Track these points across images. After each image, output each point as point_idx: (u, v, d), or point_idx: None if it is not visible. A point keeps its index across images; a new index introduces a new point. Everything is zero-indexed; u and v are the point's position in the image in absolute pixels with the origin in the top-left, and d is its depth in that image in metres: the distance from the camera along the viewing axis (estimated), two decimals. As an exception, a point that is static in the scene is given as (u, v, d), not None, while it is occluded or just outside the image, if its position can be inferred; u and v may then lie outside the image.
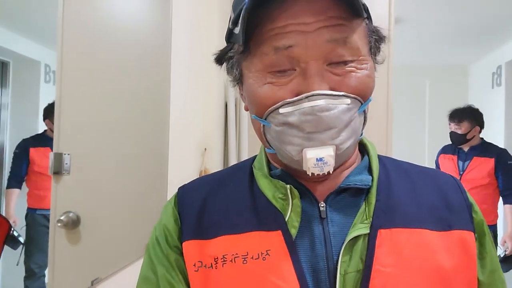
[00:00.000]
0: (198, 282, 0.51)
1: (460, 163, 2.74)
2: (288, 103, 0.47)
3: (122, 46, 1.19)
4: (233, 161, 1.54)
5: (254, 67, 0.50)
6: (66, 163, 0.95)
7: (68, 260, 0.97)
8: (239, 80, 0.55)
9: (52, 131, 1.26)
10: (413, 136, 4.57)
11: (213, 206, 0.56)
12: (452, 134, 2.72)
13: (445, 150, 2.93)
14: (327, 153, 0.47)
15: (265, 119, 0.50)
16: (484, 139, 2.77)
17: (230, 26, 0.53)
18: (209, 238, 0.53)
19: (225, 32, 0.55)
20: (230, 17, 0.53)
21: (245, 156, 1.58)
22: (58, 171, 0.93)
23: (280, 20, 0.47)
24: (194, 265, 0.52)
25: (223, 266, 0.50)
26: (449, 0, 2.86)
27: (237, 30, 0.50)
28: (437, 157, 2.99)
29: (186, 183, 0.62)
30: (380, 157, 0.58)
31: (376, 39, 0.53)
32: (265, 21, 0.47)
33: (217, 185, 0.59)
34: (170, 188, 1.35)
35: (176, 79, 1.40)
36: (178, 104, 1.42)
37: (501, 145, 2.82)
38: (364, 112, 0.51)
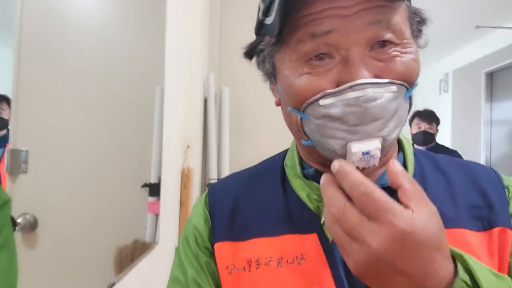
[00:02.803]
0: (231, 286, 0.50)
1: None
2: (329, 94, 0.43)
3: (99, 38, 1.12)
4: (213, 158, 1.48)
5: (289, 57, 0.46)
6: (24, 160, 0.86)
7: (23, 264, 0.89)
8: (271, 74, 0.51)
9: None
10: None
11: (246, 206, 0.54)
12: (425, 134, 2.79)
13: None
14: (374, 146, 0.43)
15: (303, 111, 0.46)
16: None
17: (260, 17, 0.49)
18: (242, 240, 0.51)
19: (255, 24, 0.51)
20: (259, 8, 0.49)
21: (226, 153, 1.53)
22: (14, 169, 0.84)
23: (316, 5, 0.43)
24: (227, 267, 0.50)
25: (257, 269, 0.48)
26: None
27: (268, 20, 0.46)
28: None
29: (216, 181, 0.62)
30: (414, 153, 0.56)
31: (418, 21, 0.49)
32: (300, 8, 0.43)
33: (248, 184, 0.57)
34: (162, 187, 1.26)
35: (160, 73, 1.32)
36: (162, 98, 1.34)
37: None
38: (410, 98, 0.48)
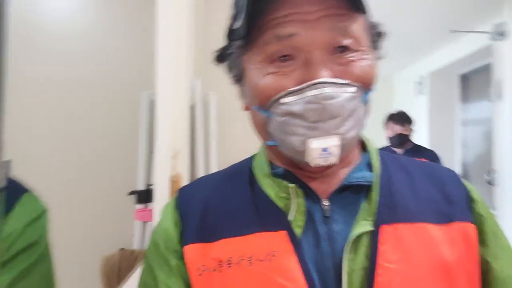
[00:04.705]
0: (203, 287, 0.50)
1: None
2: (292, 92, 0.47)
3: (81, 44, 1.10)
4: (200, 166, 1.48)
5: (256, 58, 0.50)
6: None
7: None
8: (239, 77, 0.55)
9: None
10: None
11: (215, 208, 0.55)
12: (400, 136, 2.83)
13: (378, 153, 3.10)
14: (332, 143, 0.47)
15: (268, 110, 0.50)
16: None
17: (230, 22, 0.53)
18: (212, 241, 0.52)
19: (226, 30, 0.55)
20: (230, 16, 0.54)
21: (213, 161, 1.54)
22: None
23: (282, 10, 0.47)
24: (198, 269, 0.51)
25: (228, 269, 0.49)
26: (374, 12, 3.05)
27: (237, 24, 0.50)
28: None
29: (185, 185, 0.62)
30: (379, 153, 0.59)
31: (376, 33, 0.54)
32: (266, 12, 0.47)
33: (217, 186, 0.58)
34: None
35: (146, 79, 1.31)
36: (148, 105, 1.33)
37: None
38: (368, 102, 0.52)
